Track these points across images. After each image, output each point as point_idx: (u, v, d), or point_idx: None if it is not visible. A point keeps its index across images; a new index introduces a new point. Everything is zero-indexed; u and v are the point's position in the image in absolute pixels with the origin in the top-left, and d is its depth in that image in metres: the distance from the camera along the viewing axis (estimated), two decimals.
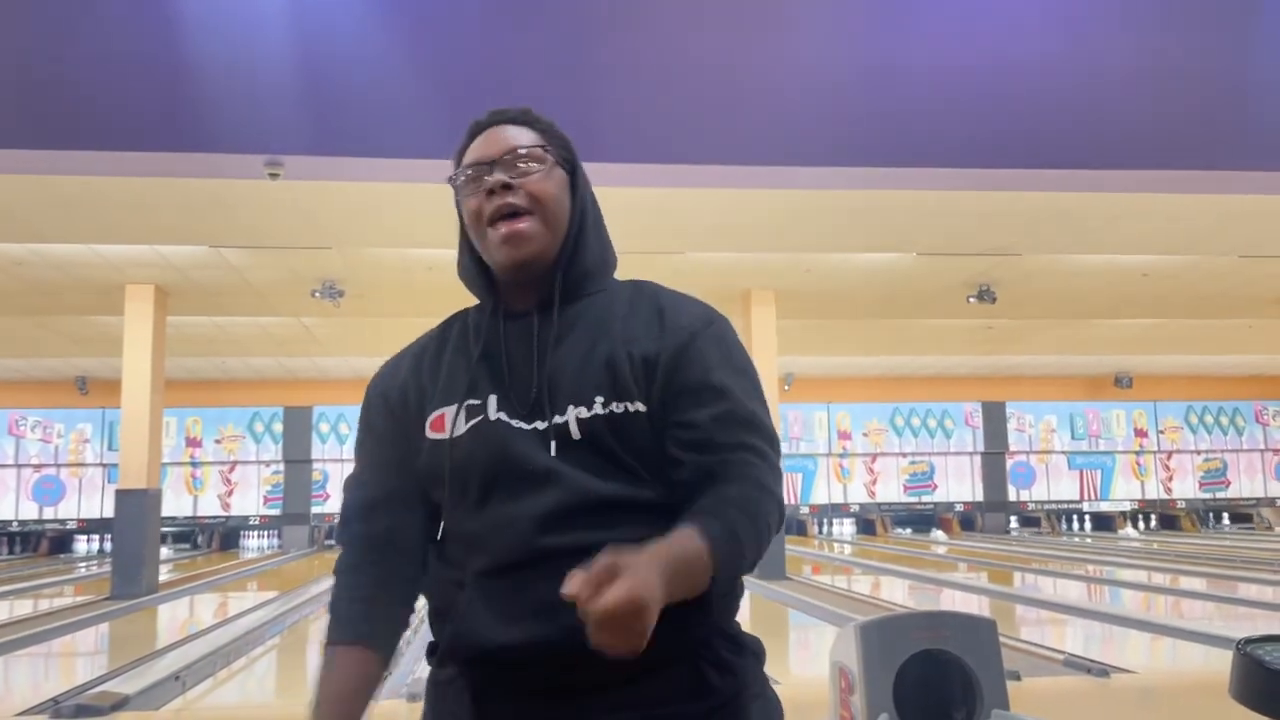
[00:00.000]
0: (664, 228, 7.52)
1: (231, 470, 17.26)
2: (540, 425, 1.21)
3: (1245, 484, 19.18)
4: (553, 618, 1.09)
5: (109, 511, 12.24)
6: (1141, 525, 18.79)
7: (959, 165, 3.86)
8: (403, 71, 3.45)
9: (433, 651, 1.25)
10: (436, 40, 3.45)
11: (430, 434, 1.25)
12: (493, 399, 1.23)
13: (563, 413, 1.20)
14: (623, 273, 1.35)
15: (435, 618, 1.25)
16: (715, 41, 3.64)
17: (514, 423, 1.21)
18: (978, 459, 18.61)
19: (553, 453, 1.19)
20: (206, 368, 15.19)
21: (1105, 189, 4.50)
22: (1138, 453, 19.03)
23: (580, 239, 1.29)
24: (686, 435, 1.20)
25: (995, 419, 18.66)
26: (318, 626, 8.47)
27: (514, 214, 1.24)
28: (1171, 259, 9.44)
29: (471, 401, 1.24)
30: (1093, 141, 3.80)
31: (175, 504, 16.42)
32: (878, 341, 13.75)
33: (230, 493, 17.24)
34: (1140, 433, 19.03)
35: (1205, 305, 11.16)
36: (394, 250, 8.67)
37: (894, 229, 7.89)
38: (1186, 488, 19.07)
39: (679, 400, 1.22)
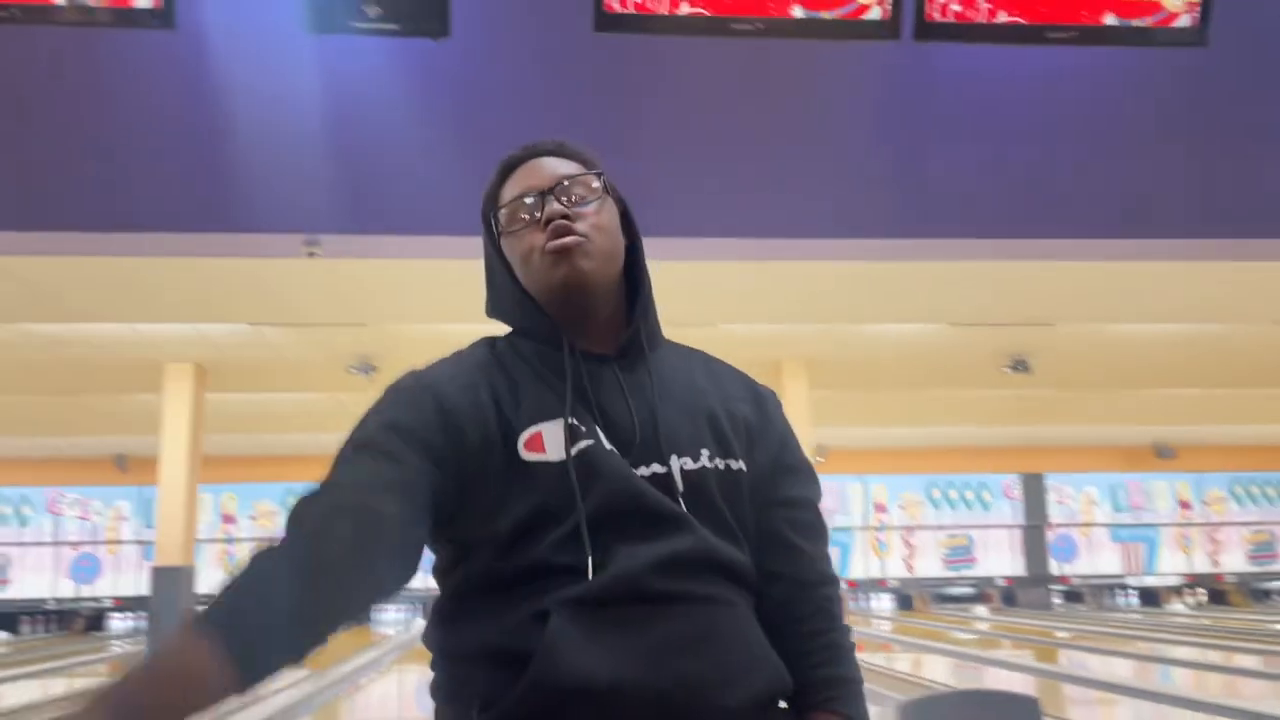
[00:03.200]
0: (696, 300, 7.55)
1: None
2: (656, 469, 1.14)
3: None
4: (665, 663, 1.05)
5: (144, 589, 12.25)
6: (1190, 600, 18.27)
7: (990, 236, 3.85)
8: (437, 150, 3.52)
9: (489, 704, 1.04)
10: (470, 119, 3.52)
11: (526, 454, 1.11)
12: (598, 429, 1.14)
13: (664, 463, 1.14)
14: None
15: (501, 660, 1.06)
16: (749, 116, 3.69)
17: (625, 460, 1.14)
18: (1018, 532, 18.26)
19: (680, 501, 1.13)
20: (242, 444, 15.31)
21: (1140, 258, 4.47)
22: (1183, 525, 18.59)
23: (644, 281, 1.24)
24: (800, 515, 1.23)
25: (1034, 491, 18.34)
26: (348, 706, 8.38)
27: (568, 233, 1.16)
28: (1211, 328, 9.33)
29: (574, 422, 1.13)
30: (1127, 211, 3.79)
31: (210, 580, 16.42)
32: (912, 412, 13.64)
33: None
34: (1184, 504, 18.61)
35: (1247, 375, 10.98)
36: (426, 326, 8.76)
37: (926, 299, 7.87)
38: (1235, 561, 18.56)
39: (783, 476, 1.23)
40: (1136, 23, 3.38)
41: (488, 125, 3.52)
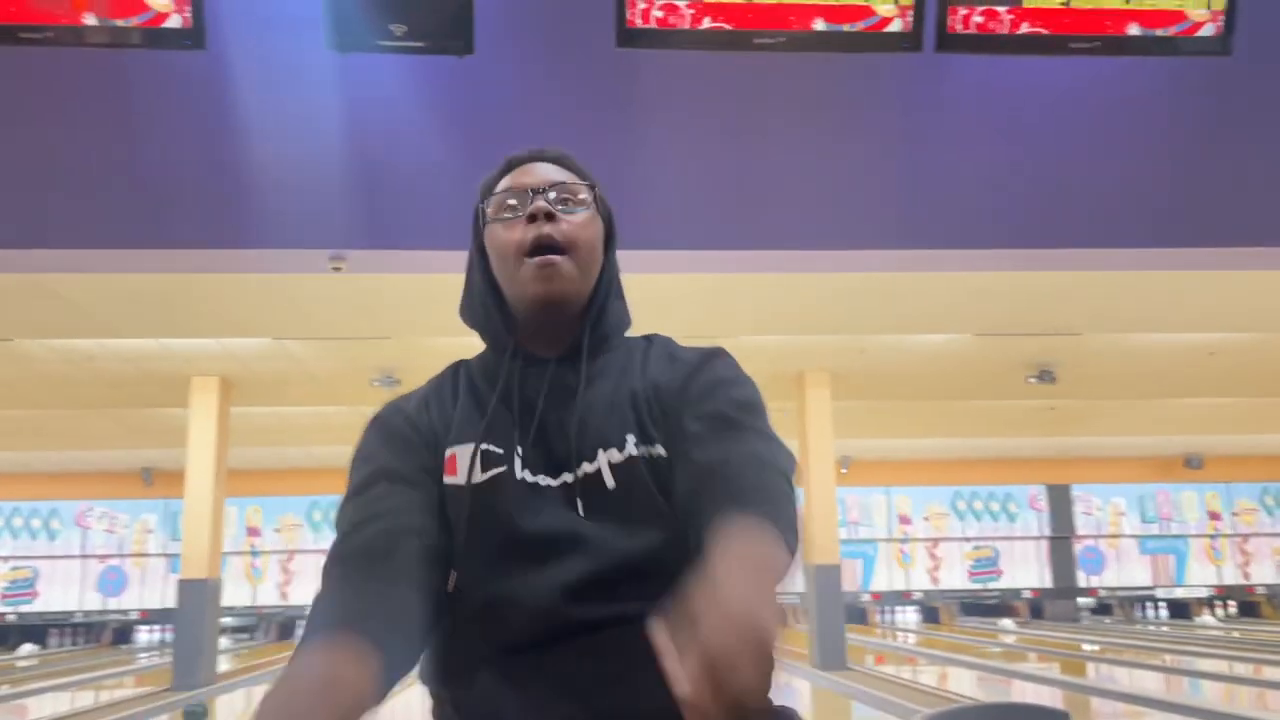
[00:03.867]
0: (718, 312, 7.56)
1: (290, 559, 17.36)
2: (568, 479, 1.11)
3: None
4: (586, 700, 1.02)
5: (170, 602, 12.34)
6: (1220, 612, 18.03)
7: (1015, 246, 3.84)
8: (460, 166, 3.55)
9: None
10: (493, 135, 3.55)
11: (446, 478, 1.13)
12: (518, 450, 1.13)
13: (593, 459, 1.11)
14: None
15: (441, 699, 1.11)
16: (771, 129, 3.70)
17: (539, 480, 1.11)
18: (1044, 544, 18.09)
19: (580, 512, 1.09)
20: (267, 457, 15.41)
21: (1165, 267, 4.44)
22: (1212, 536, 18.36)
23: (610, 291, 1.24)
24: (703, 421, 1.10)
25: (1061, 502, 18.16)
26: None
27: (552, 249, 1.17)
28: (1238, 336, 9.24)
29: (488, 447, 1.13)
30: (1152, 219, 3.77)
31: (235, 594, 16.52)
32: (936, 423, 13.56)
33: (289, 582, 17.31)
34: (1214, 515, 18.39)
35: (1276, 383, 10.86)
36: (448, 339, 8.79)
37: (950, 310, 7.84)
38: (1265, 572, 18.31)
39: (682, 416, 1.13)
40: (1160, 33, 3.37)
41: (511, 141, 3.53)
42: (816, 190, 3.72)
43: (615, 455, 1.11)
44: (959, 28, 3.33)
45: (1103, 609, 18.04)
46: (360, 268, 3.88)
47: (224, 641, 14.56)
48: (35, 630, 16.51)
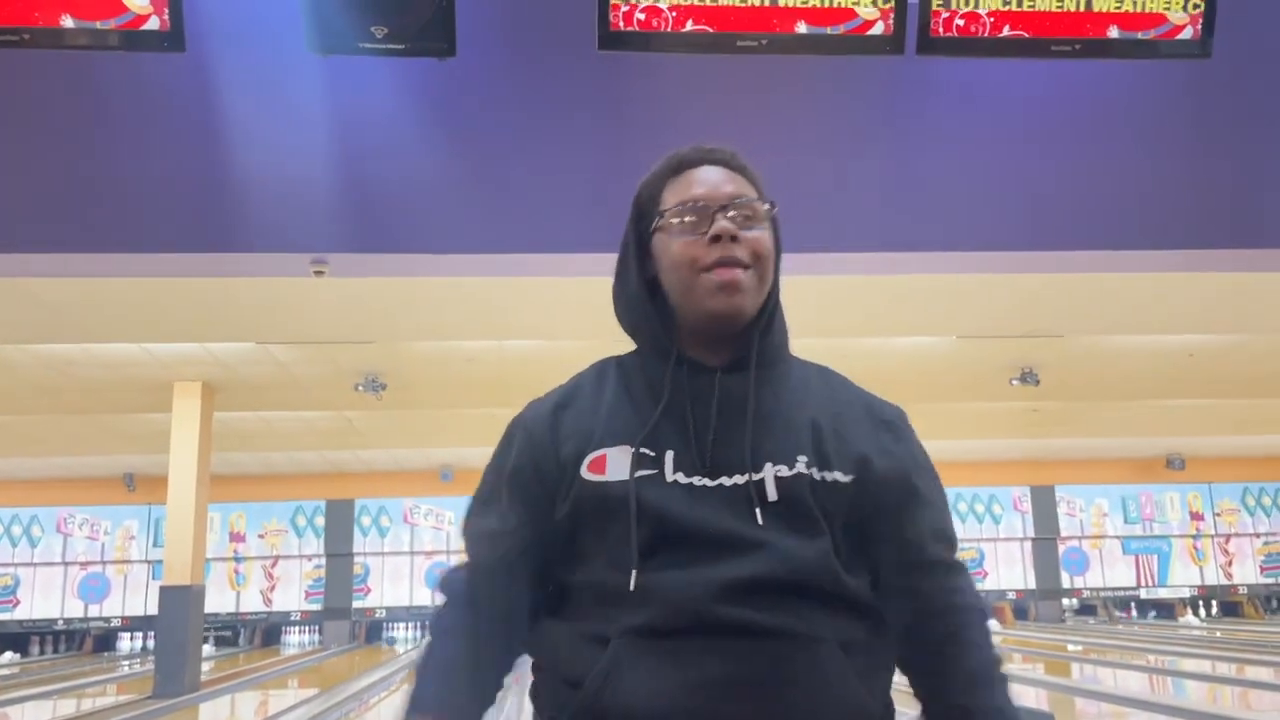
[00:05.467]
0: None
1: (274, 565, 17.27)
2: (738, 480, 1.11)
3: None
4: (714, 705, 1.03)
5: (153, 608, 12.25)
6: (1203, 612, 18.14)
7: (997, 248, 3.85)
8: (443, 169, 3.53)
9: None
10: (475, 138, 3.54)
11: (587, 474, 1.13)
12: (669, 455, 1.13)
13: (759, 470, 1.12)
14: None
15: (564, 679, 1.11)
16: (754, 132, 3.70)
17: (695, 481, 1.11)
18: (1028, 545, 18.16)
19: (758, 517, 1.09)
20: (250, 462, 15.32)
21: (1145, 270, 4.47)
22: (1194, 536, 18.47)
23: (778, 305, 1.24)
24: (928, 547, 1.19)
25: (1045, 503, 18.25)
26: None
27: (734, 264, 1.16)
28: (1218, 338, 9.30)
29: (645, 451, 1.13)
30: (1134, 222, 3.79)
31: (218, 600, 16.41)
32: (920, 425, 13.42)
33: (272, 588, 17.22)
34: (1196, 516, 18.50)
35: (1256, 385, 10.94)
36: (433, 343, 8.78)
37: (933, 312, 7.86)
38: (1247, 572, 18.44)
39: (909, 501, 1.19)
40: (1140, 35, 3.38)
41: (493, 144, 3.54)
42: (797, 194, 3.72)
43: (784, 470, 1.12)
44: (941, 31, 3.34)
45: (1086, 609, 18.12)
46: (343, 271, 3.86)
47: (207, 648, 14.47)
48: (16, 638, 16.37)
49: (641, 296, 1.21)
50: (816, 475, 1.13)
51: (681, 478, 1.12)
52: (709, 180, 1.21)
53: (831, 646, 1.08)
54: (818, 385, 1.25)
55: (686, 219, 1.19)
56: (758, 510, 1.10)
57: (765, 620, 1.06)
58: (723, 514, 1.10)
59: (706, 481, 1.12)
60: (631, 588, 1.08)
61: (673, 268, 1.19)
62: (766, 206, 1.22)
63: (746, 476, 1.12)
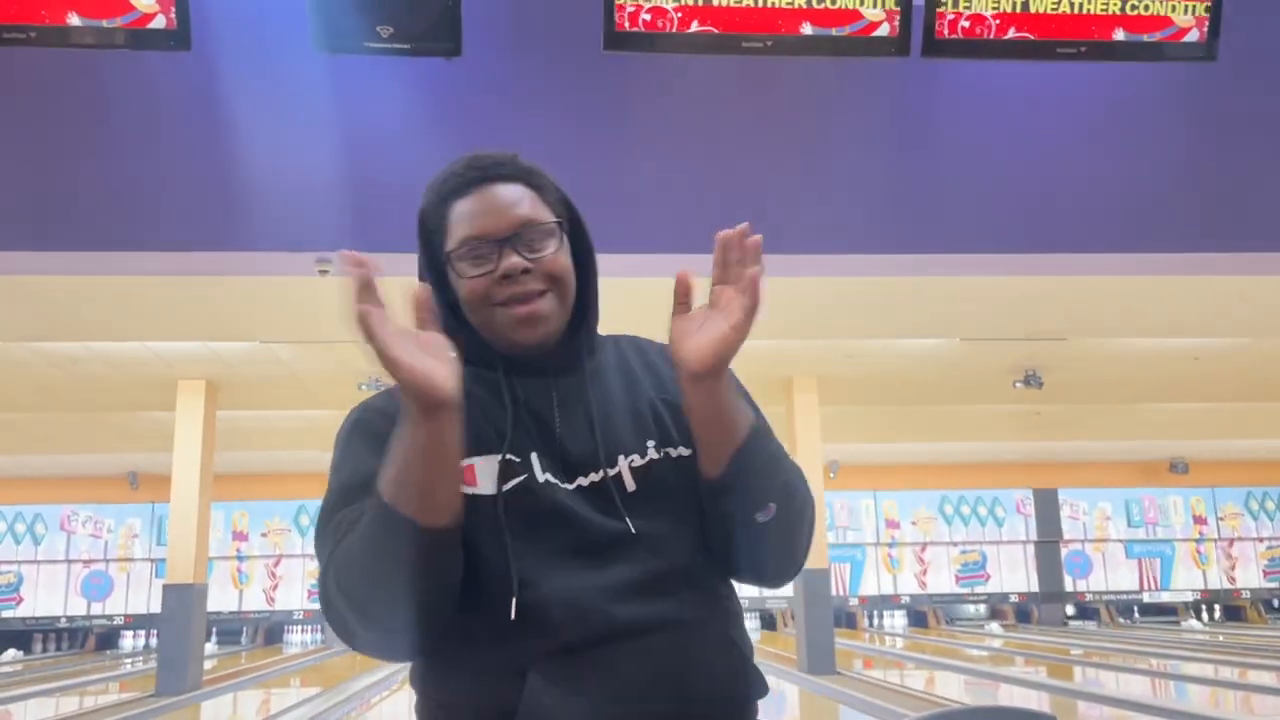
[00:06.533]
0: None
1: (277, 564, 17.28)
2: (593, 478, 1.12)
3: None
4: (635, 707, 1.05)
5: (156, 607, 12.27)
6: (1205, 616, 18.11)
7: (1001, 250, 3.85)
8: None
9: None
10: (481, 137, 3.54)
11: (465, 488, 1.08)
12: (534, 456, 1.12)
13: (613, 465, 1.13)
14: None
15: (485, 714, 1.07)
16: (758, 133, 3.70)
17: (560, 483, 1.12)
18: (1031, 548, 18.14)
19: (623, 513, 1.10)
20: (254, 461, 15.34)
21: (1149, 273, 4.46)
22: (1198, 540, 18.44)
23: (592, 300, 1.22)
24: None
25: (1048, 506, 18.22)
26: None
27: (529, 298, 1.14)
28: (1223, 341, 9.29)
29: (510, 457, 1.12)
30: (1139, 225, 3.78)
31: (221, 599, 16.43)
32: (923, 428, 13.59)
33: (275, 587, 17.23)
34: (1199, 520, 18.47)
35: (1261, 389, 10.92)
36: None
37: (937, 314, 7.86)
38: (1250, 577, 18.40)
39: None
40: (1146, 38, 3.38)
41: (498, 143, 3.53)
42: (803, 195, 3.73)
43: (637, 460, 1.14)
44: (946, 32, 3.34)
45: (1089, 613, 18.10)
46: (348, 270, 3.86)
47: (209, 646, 14.49)
48: (19, 635, 16.40)
49: (449, 319, 1.16)
50: (670, 454, 1.16)
51: (551, 478, 1.12)
52: (492, 207, 1.16)
53: (718, 621, 1.14)
54: (637, 362, 1.24)
55: (472, 258, 1.15)
56: (620, 504, 1.11)
57: (661, 612, 1.09)
58: (592, 514, 1.11)
59: (567, 485, 1.12)
60: (512, 615, 1.05)
61: (469, 304, 1.16)
62: (557, 225, 1.17)
63: (602, 473, 1.12)
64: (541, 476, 1.11)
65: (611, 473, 1.13)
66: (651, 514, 1.12)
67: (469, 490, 1.09)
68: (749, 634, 1.21)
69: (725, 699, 1.12)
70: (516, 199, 1.17)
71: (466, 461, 1.10)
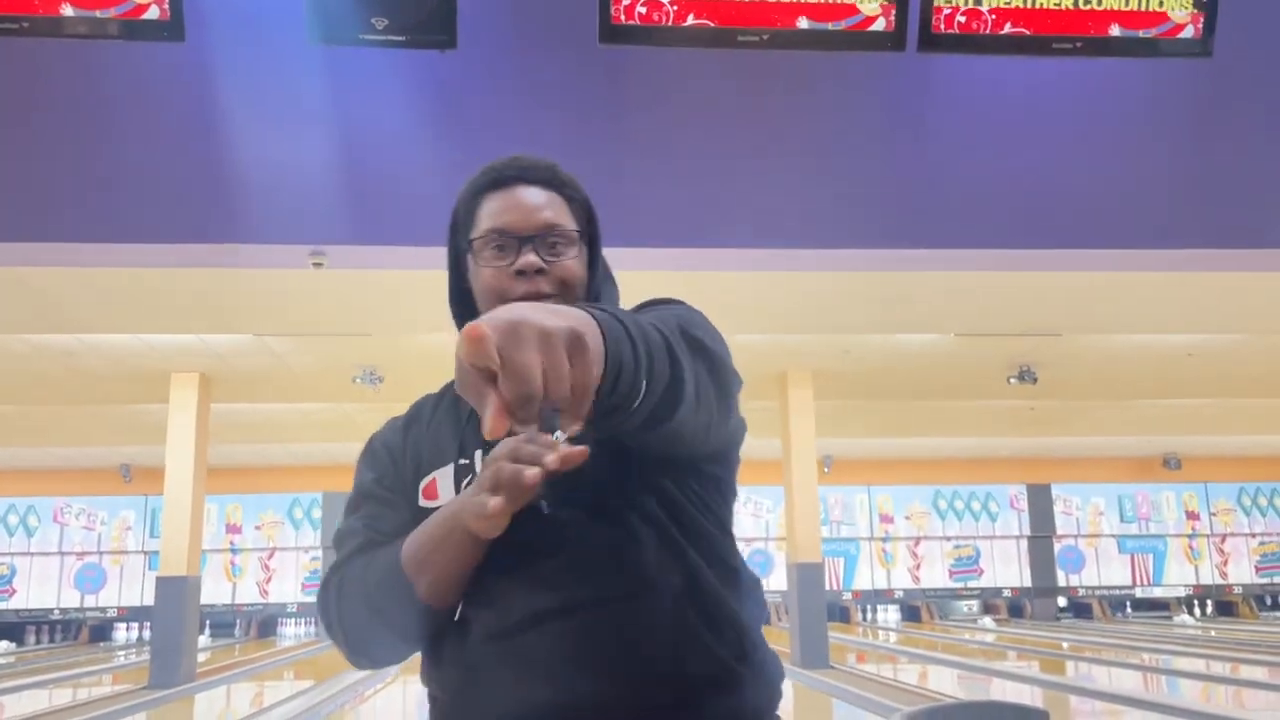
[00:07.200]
0: (700, 310, 7.55)
1: (271, 557, 17.27)
2: None
3: None
4: (577, 683, 1.06)
5: (149, 599, 12.26)
6: (1198, 611, 18.18)
7: (996, 246, 3.85)
8: (443, 161, 3.53)
9: None
10: (476, 130, 3.53)
11: (424, 503, 1.18)
12: (477, 455, 1.16)
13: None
14: None
15: (436, 703, 1.17)
16: (754, 127, 3.70)
17: None
18: (1024, 543, 18.20)
19: (543, 504, 1.08)
20: (247, 454, 15.32)
21: (1144, 268, 4.47)
22: (1190, 536, 18.51)
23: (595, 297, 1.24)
24: None
25: (1041, 501, 18.28)
26: (352, 717, 8.36)
27: (537, 299, 1.15)
28: (1217, 338, 9.31)
29: (463, 461, 1.17)
30: (1131, 221, 3.79)
31: (214, 591, 16.42)
32: (917, 423, 13.62)
33: (269, 579, 17.22)
34: (1192, 515, 18.53)
35: (1254, 385, 10.96)
36: (431, 336, 8.77)
37: (932, 310, 7.86)
38: (1242, 572, 18.48)
39: None
40: (1142, 34, 3.38)
41: (494, 136, 3.53)
42: (799, 189, 3.72)
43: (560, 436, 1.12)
44: (942, 27, 3.33)
45: (1082, 608, 18.16)
46: (341, 263, 3.86)
47: (203, 639, 14.49)
48: (12, 628, 16.38)
49: (460, 305, 1.25)
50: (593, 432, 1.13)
51: None
52: (521, 205, 1.20)
53: (659, 601, 1.10)
54: None
55: (493, 248, 1.19)
56: (543, 495, 1.07)
57: (572, 598, 1.08)
58: (523, 512, 1.07)
59: None
60: (456, 618, 1.13)
61: (481, 294, 1.21)
62: (577, 233, 1.21)
63: None
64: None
65: None
66: (575, 497, 1.10)
67: (430, 505, 1.16)
68: (738, 612, 1.15)
69: (664, 678, 1.08)
70: (545, 203, 1.21)
71: (429, 477, 1.19)
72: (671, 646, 1.09)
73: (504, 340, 0.76)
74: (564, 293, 1.18)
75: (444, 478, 1.18)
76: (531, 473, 0.93)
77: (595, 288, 1.24)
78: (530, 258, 1.17)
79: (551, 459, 0.91)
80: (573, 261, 1.20)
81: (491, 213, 1.21)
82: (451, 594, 1.13)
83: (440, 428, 1.23)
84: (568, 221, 1.21)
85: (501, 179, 1.23)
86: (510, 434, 0.79)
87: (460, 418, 1.22)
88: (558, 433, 0.88)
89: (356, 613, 1.15)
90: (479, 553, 1.09)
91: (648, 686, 1.08)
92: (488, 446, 1.15)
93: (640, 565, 1.11)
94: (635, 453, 1.11)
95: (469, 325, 0.76)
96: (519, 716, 1.08)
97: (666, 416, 0.96)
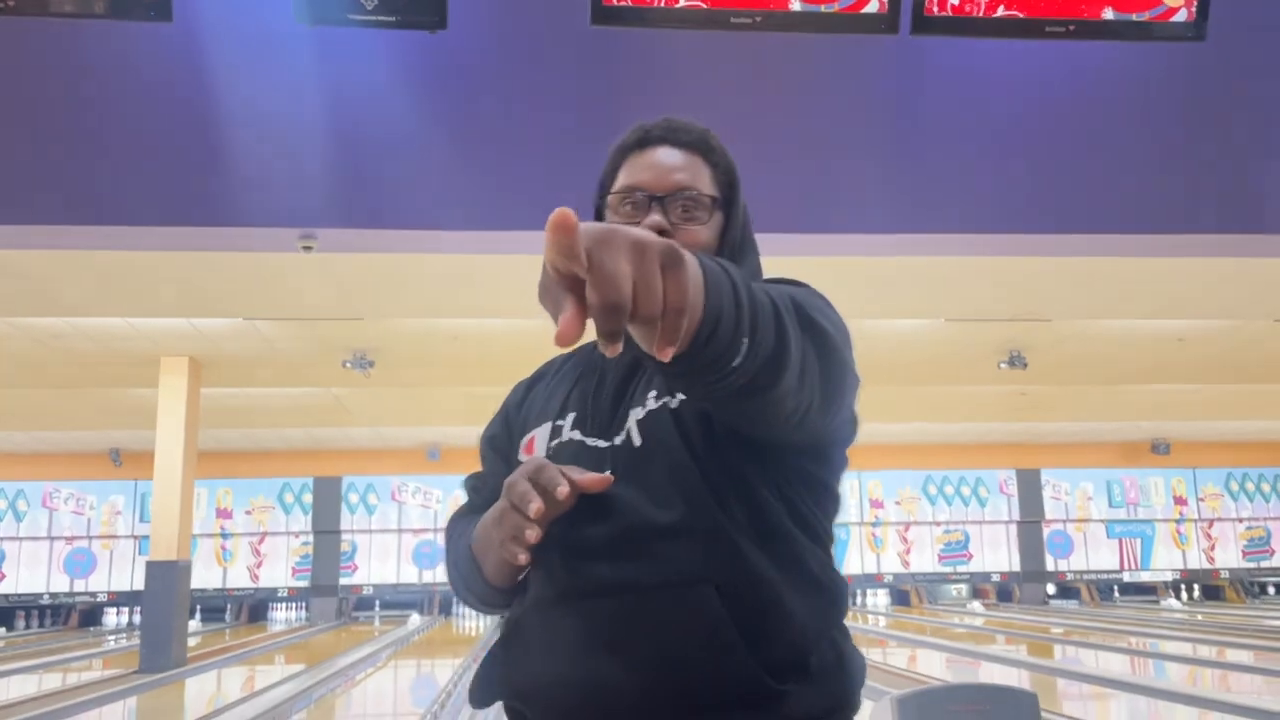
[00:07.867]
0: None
1: (261, 541, 17.26)
2: (618, 439, 1.12)
3: None
4: (595, 665, 1.04)
5: (139, 584, 12.24)
6: (1184, 596, 18.31)
7: (987, 231, 3.85)
8: (432, 144, 3.50)
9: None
10: (466, 112, 3.51)
11: (522, 457, 1.20)
12: (570, 417, 1.17)
13: (625, 422, 1.12)
14: None
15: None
16: (745, 110, 3.68)
17: (588, 441, 1.13)
18: (1013, 528, 18.28)
19: (611, 472, 1.07)
20: (237, 439, 15.29)
21: (1135, 254, 4.47)
22: (1178, 521, 18.62)
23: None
24: None
25: (1030, 486, 18.36)
26: (344, 701, 8.37)
27: None
28: (1207, 324, 9.34)
29: (559, 422, 1.18)
30: (1124, 206, 3.78)
31: (205, 576, 16.41)
32: (908, 408, 13.64)
33: (260, 564, 17.21)
34: (1180, 500, 18.65)
35: (1243, 371, 11.00)
36: (421, 320, 8.75)
37: (922, 295, 7.87)
38: (1229, 557, 18.60)
39: None
40: (1135, 17, 3.37)
41: (483, 119, 3.51)
42: (789, 173, 3.71)
43: (639, 413, 1.12)
44: (935, 10, 3.32)
45: (1070, 592, 18.26)
46: (331, 246, 3.83)
47: (193, 624, 14.47)
48: (2, 612, 16.35)
49: None
50: (671, 404, 1.10)
51: (578, 434, 1.15)
52: (661, 165, 1.19)
53: (697, 592, 1.03)
54: None
55: (625, 206, 1.18)
56: (610, 462, 1.09)
57: (617, 577, 1.05)
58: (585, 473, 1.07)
59: (600, 442, 1.13)
60: (520, 578, 1.16)
61: None
62: (711, 201, 1.20)
63: (625, 433, 1.11)
64: (567, 436, 1.16)
65: (620, 434, 1.12)
66: (646, 471, 1.07)
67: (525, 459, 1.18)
68: (803, 622, 1.08)
69: (682, 677, 1.02)
70: (683, 164, 1.20)
71: (529, 435, 1.20)
72: (700, 647, 1.02)
73: (594, 243, 0.69)
74: None
75: (541, 435, 1.19)
76: (533, 533, 1.04)
77: (726, 258, 1.21)
78: (656, 218, 1.16)
79: (563, 489, 0.98)
80: (702, 228, 1.19)
81: (630, 170, 1.21)
82: (511, 578, 1.15)
83: (556, 386, 1.24)
84: (705, 186, 1.20)
85: (648, 139, 1.23)
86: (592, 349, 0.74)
87: (574, 378, 1.22)
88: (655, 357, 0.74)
89: (450, 574, 1.24)
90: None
91: (663, 682, 1.03)
92: (580, 408, 1.16)
93: (687, 557, 1.04)
94: (717, 435, 1.06)
95: (556, 210, 0.68)
96: (536, 689, 1.08)
97: (768, 385, 0.89)
